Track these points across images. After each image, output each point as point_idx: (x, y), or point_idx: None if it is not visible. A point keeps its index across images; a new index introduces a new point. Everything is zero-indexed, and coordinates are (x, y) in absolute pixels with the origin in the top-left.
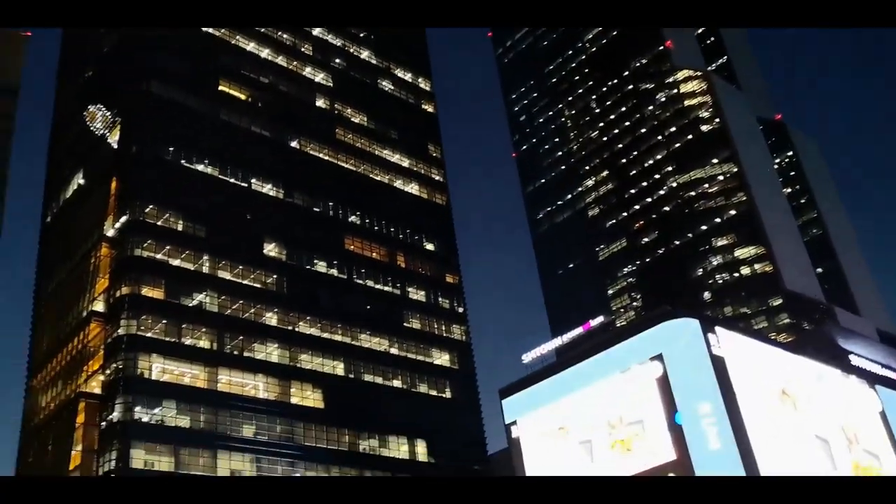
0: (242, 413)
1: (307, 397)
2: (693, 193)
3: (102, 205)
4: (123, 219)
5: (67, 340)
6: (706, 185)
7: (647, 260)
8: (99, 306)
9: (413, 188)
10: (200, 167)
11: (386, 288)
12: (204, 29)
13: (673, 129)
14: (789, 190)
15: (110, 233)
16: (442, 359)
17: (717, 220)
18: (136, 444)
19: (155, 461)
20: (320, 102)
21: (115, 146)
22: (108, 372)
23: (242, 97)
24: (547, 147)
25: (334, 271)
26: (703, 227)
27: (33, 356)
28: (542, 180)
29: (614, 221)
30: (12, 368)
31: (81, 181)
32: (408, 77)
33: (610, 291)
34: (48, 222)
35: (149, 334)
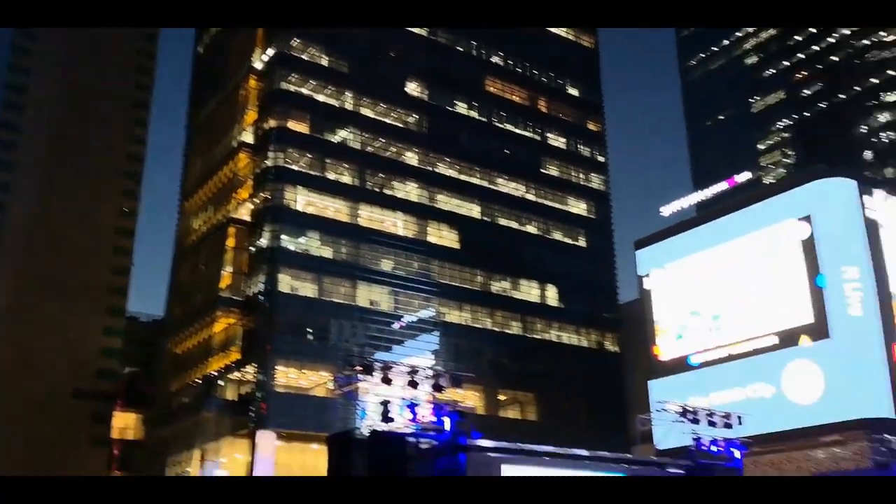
0: (381, 248)
1: (443, 237)
2: (867, 42)
3: (251, 36)
4: (270, 51)
5: (218, 168)
6: (883, 34)
7: (807, 114)
8: (248, 137)
9: (559, 29)
10: None
11: (525, 133)
12: None
13: None
14: None
15: (258, 65)
16: (578, 207)
17: (891, 72)
18: (283, 270)
19: (300, 287)
20: None
21: None
22: (256, 200)
23: None
24: None
25: (475, 113)
26: (874, 80)
27: (186, 180)
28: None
29: (774, 71)
30: (167, 188)
31: None
32: None
33: (760, 146)
34: (200, 53)
35: (294, 167)
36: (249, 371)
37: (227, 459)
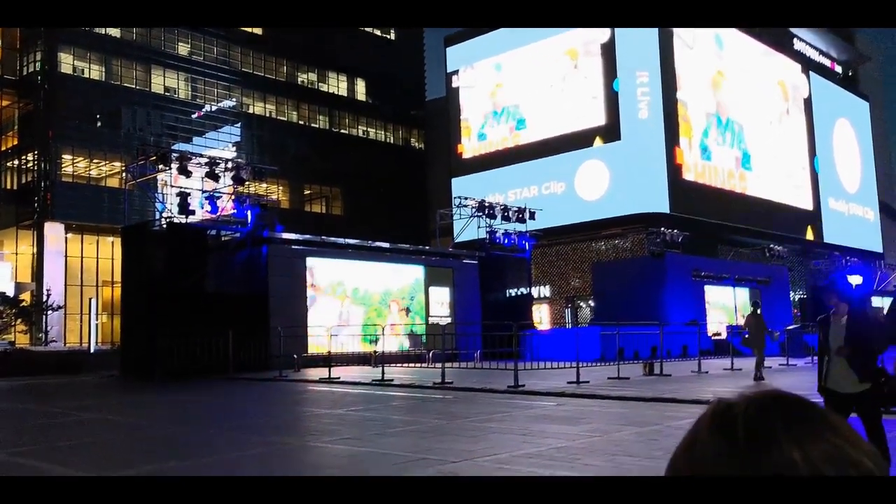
0: (178, 30)
1: None
2: None
3: None
4: None
5: None
6: None
7: None
8: None
9: None
10: None
11: None
12: None
13: None
14: None
15: None
16: None
17: None
18: (63, 49)
19: (84, 68)
20: None
21: None
22: None
23: None
24: None
25: None
26: None
27: None
28: None
29: None
30: None
31: None
32: None
33: None
34: None
35: None
36: (30, 158)
37: (10, 252)
